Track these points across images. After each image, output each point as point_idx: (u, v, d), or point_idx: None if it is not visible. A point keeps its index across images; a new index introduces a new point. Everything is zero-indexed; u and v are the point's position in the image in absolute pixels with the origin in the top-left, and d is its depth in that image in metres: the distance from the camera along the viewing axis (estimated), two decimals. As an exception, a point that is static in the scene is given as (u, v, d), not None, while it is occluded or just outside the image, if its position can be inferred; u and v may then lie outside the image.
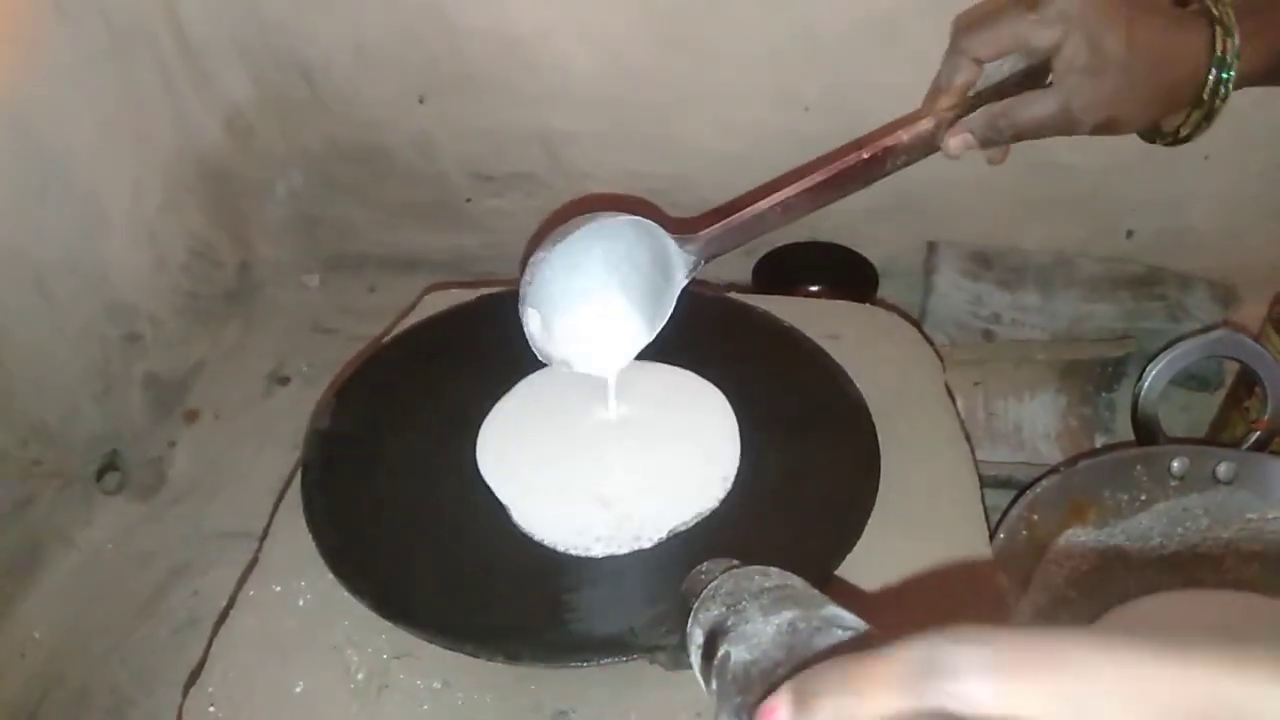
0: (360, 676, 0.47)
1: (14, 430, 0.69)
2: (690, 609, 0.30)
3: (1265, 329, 0.69)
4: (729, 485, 0.54)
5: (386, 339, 0.66)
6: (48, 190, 0.71)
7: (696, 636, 0.28)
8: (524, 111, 0.85)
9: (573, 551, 0.51)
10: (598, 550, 0.50)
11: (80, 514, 0.76)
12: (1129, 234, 0.86)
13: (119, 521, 0.77)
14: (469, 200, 0.91)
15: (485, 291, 0.69)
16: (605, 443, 0.58)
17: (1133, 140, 0.81)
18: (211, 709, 0.46)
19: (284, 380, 0.89)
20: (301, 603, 0.50)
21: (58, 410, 0.73)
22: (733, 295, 0.70)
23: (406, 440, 0.58)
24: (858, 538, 0.49)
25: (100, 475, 0.77)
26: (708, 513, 0.53)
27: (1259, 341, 0.66)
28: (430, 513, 0.54)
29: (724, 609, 0.28)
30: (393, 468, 0.56)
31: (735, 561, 0.32)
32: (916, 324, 0.72)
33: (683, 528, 0.52)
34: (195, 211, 0.86)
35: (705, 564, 0.32)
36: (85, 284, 0.75)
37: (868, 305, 0.71)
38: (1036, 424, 0.79)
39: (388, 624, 0.48)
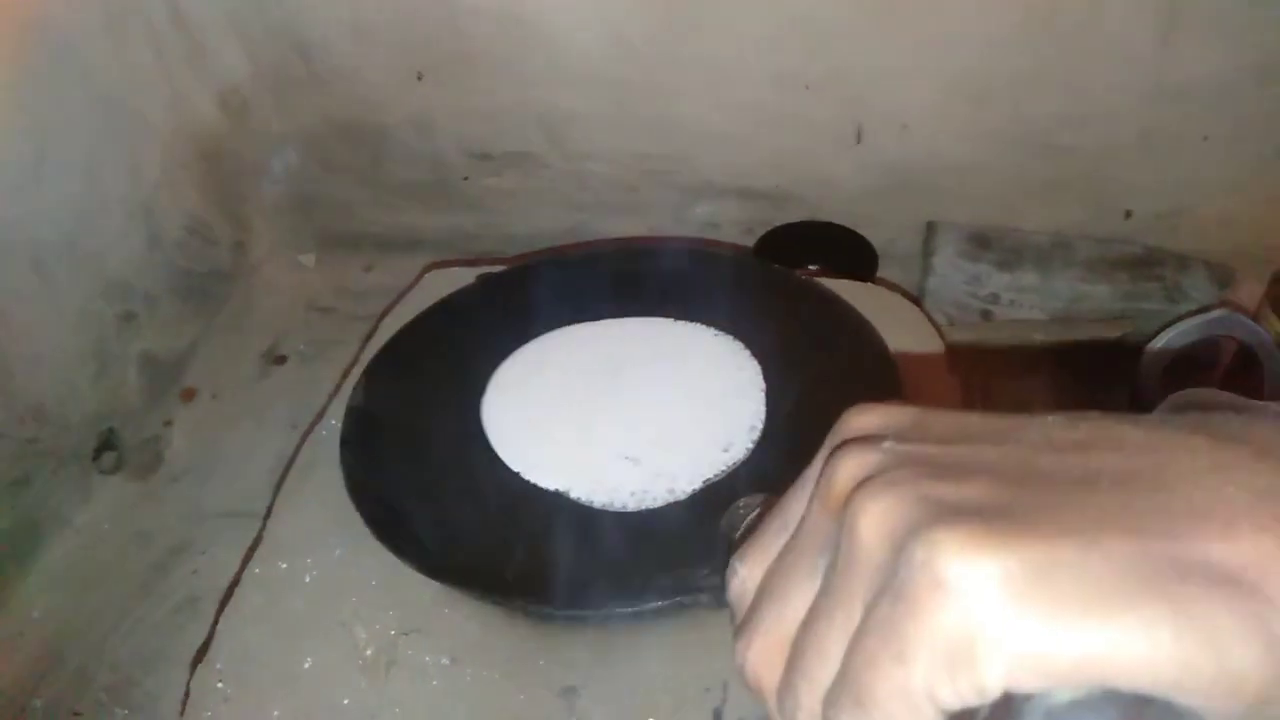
0: (369, 653, 0.47)
1: (11, 409, 0.68)
2: (731, 543, 0.30)
3: (1263, 309, 0.70)
4: (757, 435, 0.55)
5: (412, 316, 0.66)
6: (44, 169, 0.70)
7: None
8: (523, 91, 0.85)
9: (609, 508, 0.51)
10: (632, 504, 0.51)
11: (77, 493, 0.75)
12: (1127, 215, 0.86)
13: (116, 501, 0.77)
14: (466, 179, 0.91)
15: (488, 271, 0.69)
16: (631, 400, 0.58)
17: (1132, 122, 0.81)
18: (220, 685, 0.46)
19: (280, 359, 0.88)
20: (308, 579, 0.50)
21: (54, 389, 0.72)
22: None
23: (436, 410, 0.58)
24: None
25: (97, 454, 0.77)
26: (738, 463, 0.53)
27: (1257, 321, 0.67)
28: (462, 479, 0.54)
29: None
30: (425, 438, 0.56)
31: (772, 497, 0.32)
32: (917, 302, 0.72)
33: (715, 479, 0.52)
34: (191, 190, 0.85)
35: (742, 499, 0.32)
36: (82, 263, 0.74)
37: (869, 284, 0.71)
38: (1033, 404, 0.79)
39: (396, 600, 0.48)
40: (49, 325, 0.72)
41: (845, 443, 0.21)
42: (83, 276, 0.74)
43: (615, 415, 0.57)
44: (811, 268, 0.87)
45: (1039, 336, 0.79)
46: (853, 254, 0.86)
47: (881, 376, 0.56)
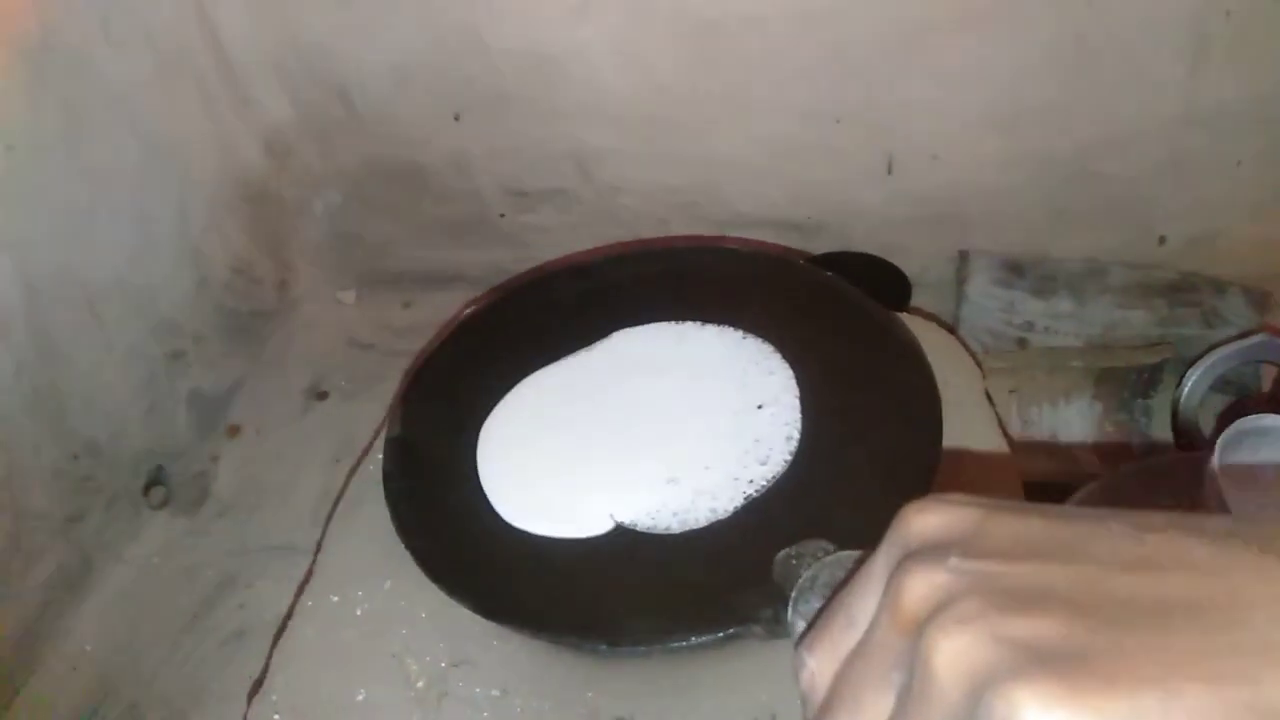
0: (420, 684, 0.48)
1: (66, 447, 0.70)
2: (786, 596, 0.31)
3: (1303, 333, 0.69)
4: (795, 445, 0.54)
5: (439, 341, 0.67)
6: (97, 214, 0.73)
7: (799, 628, 0.29)
8: (556, 128, 0.87)
9: (653, 530, 0.51)
10: (676, 526, 0.51)
11: (128, 528, 0.77)
12: (1162, 240, 0.86)
13: (165, 536, 0.78)
14: (503, 216, 0.93)
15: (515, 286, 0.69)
16: (663, 413, 0.58)
17: (1164, 147, 0.82)
18: (276, 717, 0.47)
19: (322, 395, 0.90)
20: (359, 612, 0.51)
21: (107, 427, 0.74)
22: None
23: (470, 437, 0.58)
24: (926, 493, 0.48)
25: (146, 490, 0.78)
26: (778, 476, 0.53)
27: (1298, 345, 0.67)
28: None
29: (824, 602, 0.28)
30: (462, 466, 0.57)
31: (825, 544, 0.32)
32: (953, 331, 0.72)
33: (756, 494, 0.52)
34: (237, 231, 0.87)
35: (794, 547, 0.32)
36: (133, 305, 0.76)
37: (904, 313, 0.72)
38: (1072, 430, 0.79)
39: (445, 632, 0.49)
40: (102, 365, 0.74)
41: (911, 557, 0.21)
42: (134, 317, 0.77)
43: (649, 431, 0.56)
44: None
45: (1077, 363, 0.78)
46: (886, 283, 0.86)
47: (917, 380, 0.55)
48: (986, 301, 0.86)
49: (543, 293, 0.69)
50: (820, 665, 0.23)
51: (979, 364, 0.66)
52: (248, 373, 0.90)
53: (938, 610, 0.20)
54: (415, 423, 0.58)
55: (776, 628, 0.36)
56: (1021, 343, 0.84)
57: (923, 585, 0.20)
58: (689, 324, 0.62)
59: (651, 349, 0.61)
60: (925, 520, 0.22)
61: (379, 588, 0.51)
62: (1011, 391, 0.79)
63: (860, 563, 0.26)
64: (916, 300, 0.87)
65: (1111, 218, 0.86)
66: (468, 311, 0.69)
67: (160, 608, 0.74)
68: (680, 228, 0.91)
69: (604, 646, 0.45)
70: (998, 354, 0.82)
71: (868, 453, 0.53)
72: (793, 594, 0.30)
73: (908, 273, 0.88)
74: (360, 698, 0.47)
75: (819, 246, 0.89)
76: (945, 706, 0.19)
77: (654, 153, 0.87)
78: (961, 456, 0.52)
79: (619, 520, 0.52)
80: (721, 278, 0.63)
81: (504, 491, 0.54)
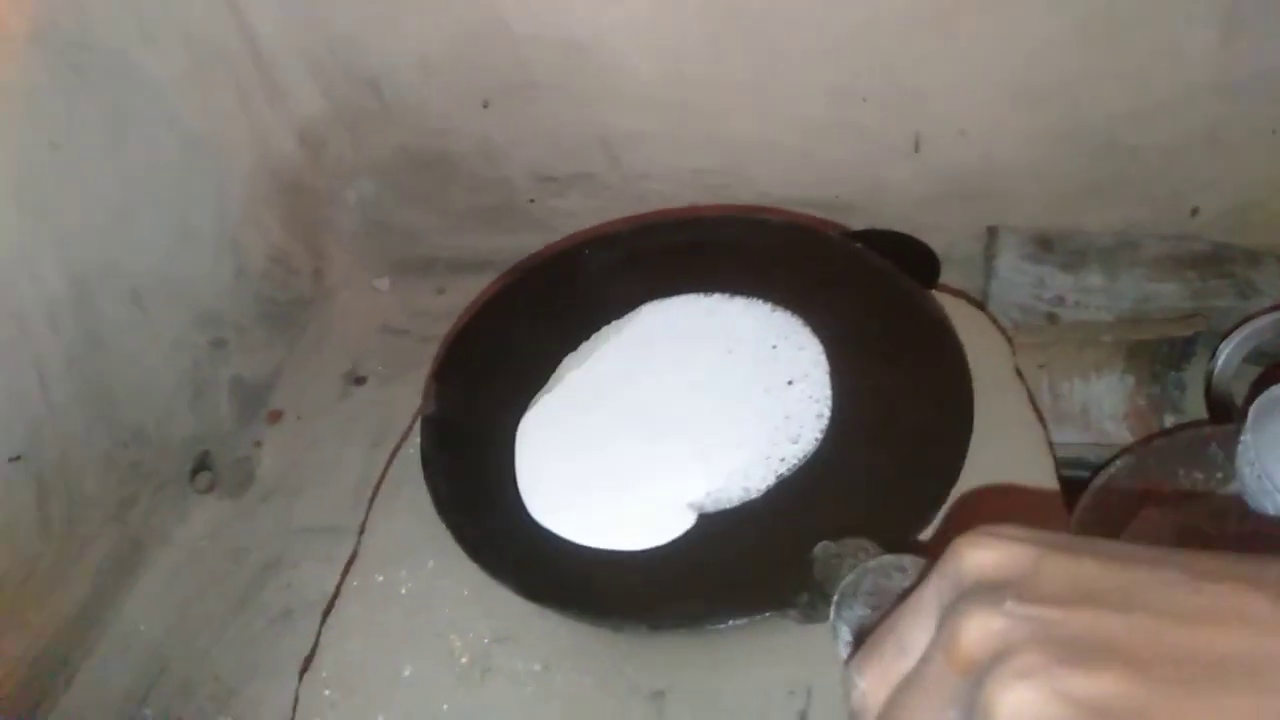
0: (464, 661, 0.49)
1: (116, 435, 0.73)
2: (827, 592, 0.31)
3: (1339, 303, 0.69)
4: (825, 423, 0.54)
5: (468, 316, 0.67)
6: (139, 209, 0.75)
7: (844, 633, 0.30)
8: (584, 114, 0.87)
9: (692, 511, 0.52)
10: (709, 506, 0.51)
11: (176, 512, 0.79)
12: (1194, 211, 0.85)
13: (212, 519, 0.81)
14: (532, 201, 0.93)
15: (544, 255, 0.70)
16: (693, 388, 0.58)
17: (1196, 118, 0.81)
18: (327, 693, 0.49)
19: (360, 380, 0.92)
20: (404, 591, 0.53)
21: (154, 415, 0.76)
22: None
23: (508, 414, 0.59)
24: (958, 471, 0.49)
25: (193, 475, 0.81)
26: (809, 455, 0.53)
27: (1333, 316, 0.66)
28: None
29: (869, 610, 0.29)
30: (499, 445, 0.57)
31: (867, 544, 0.33)
32: (982, 307, 0.72)
33: (788, 473, 0.52)
34: (273, 222, 0.89)
35: (836, 544, 0.33)
36: (176, 295, 0.78)
37: (933, 290, 0.72)
38: (1103, 405, 0.79)
39: (487, 609, 0.50)
40: (147, 354, 0.76)
41: (967, 597, 0.22)
42: (176, 308, 0.79)
43: (681, 411, 0.56)
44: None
45: (1107, 338, 0.78)
46: (915, 261, 0.86)
47: (948, 358, 0.55)
48: (1016, 277, 0.85)
49: (570, 265, 0.68)
50: (872, 687, 0.24)
51: (1009, 340, 0.67)
52: (287, 360, 0.92)
53: (997, 659, 0.20)
54: (449, 401, 0.58)
55: (813, 613, 0.37)
56: (1051, 318, 0.84)
57: (979, 629, 0.21)
58: (718, 296, 0.62)
59: (681, 323, 0.61)
60: (979, 557, 0.22)
61: (422, 567, 0.53)
62: (1041, 367, 0.79)
63: (910, 589, 0.27)
64: (945, 277, 0.87)
65: (1142, 190, 0.85)
66: (497, 287, 0.69)
67: (210, 588, 0.76)
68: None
69: (644, 629, 0.46)
70: (1027, 329, 0.82)
71: (898, 432, 0.54)
72: (835, 597, 0.30)
73: (936, 250, 0.87)
74: (406, 673, 0.49)
75: (847, 225, 0.89)
76: None
77: (681, 136, 0.87)
78: (1008, 492, 0.52)
79: (654, 506, 0.52)
80: (750, 249, 0.63)
81: (542, 498, 0.55)
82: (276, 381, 0.90)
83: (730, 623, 0.45)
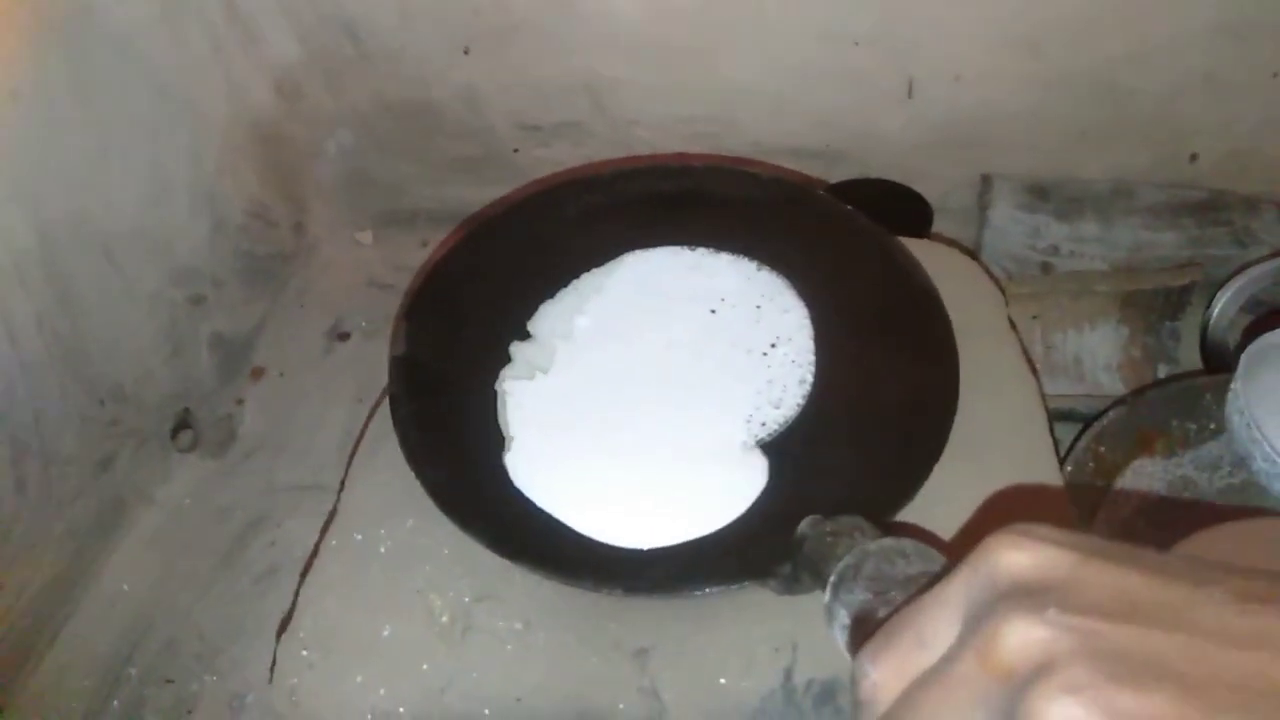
0: (444, 620, 0.49)
1: (92, 393, 0.71)
2: (820, 571, 0.31)
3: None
4: (808, 388, 0.54)
5: (442, 254, 0.64)
6: (109, 161, 0.73)
7: (842, 616, 0.29)
8: (569, 60, 0.85)
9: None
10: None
11: (158, 471, 0.78)
12: (1193, 158, 0.84)
13: (195, 477, 0.80)
14: (516, 151, 0.91)
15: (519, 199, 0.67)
16: (674, 346, 0.57)
17: (1197, 63, 0.79)
18: (304, 653, 0.48)
19: (344, 336, 0.91)
20: (382, 550, 0.52)
21: (131, 372, 0.75)
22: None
23: (482, 361, 0.57)
24: (943, 444, 0.48)
25: (174, 433, 0.79)
26: (791, 420, 0.52)
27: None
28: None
29: (870, 595, 0.28)
30: (474, 391, 0.56)
31: (861, 521, 0.32)
32: (975, 257, 0.71)
33: (768, 438, 0.51)
34: (250, 174, 0.87)
35: (829, 522, 0.32)
36: (151, 250, 0.76)
37: (925, 240, 0.70)
38: (1097, 356, 0.78)
39: (468, 568, 0.49)
40: (123, 311, 0.74)
41: (1006, 601, 0.21)
42: (152, 263, 0.77)
43: (661, 368, 0.56)
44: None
45: (1102, 288, 0.77)
46: (907, 210, 0.85)
47: (935, 328, 0.54)
48: (1010, 226, 0.84)
49: (551, 206, 0.65)
50: (884, 679, 0.23)
51: (1002, 290, 0.65)
52: (268, 315, 0.90)
53: (1041, 670, 0.19)
54: (420, 343, 0.56)
55: (794, 585, 0.36)
56: (1045, 268, 0.83)
57: (1020, 636, 0.20)
58: (702, 250, 0.60)
59: (664, 277, 0.60)
60: (1015, 559, 0.22)
61: (401, 525, 0.52)
62: (1035, 318, 0.78)
63: (922, 580, 0.27)
64: (938, 226, 0.86)
65: (1140, 136, 0.83)
66: (473, 225, 0.66)
67: (193, 548, 0.75)
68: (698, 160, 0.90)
69: (620, 592, 0.45)
70: (1021, 280, 0.81)
71: (883, 402, 0.53)
72: (832, 578, 0.30)
73: (929, 199, 0.86)
74: (386, 633, 0.48)
75: (839, 174, 0.87)
76: None
77: (669, 82, 0.85)
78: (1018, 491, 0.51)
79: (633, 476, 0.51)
80: (737, 204, 0.61)
81: (523, 464, 0.53)
82: (258, 338, 0.89)
83: (707, 590, 0.45)
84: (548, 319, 0.60)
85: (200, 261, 0.82)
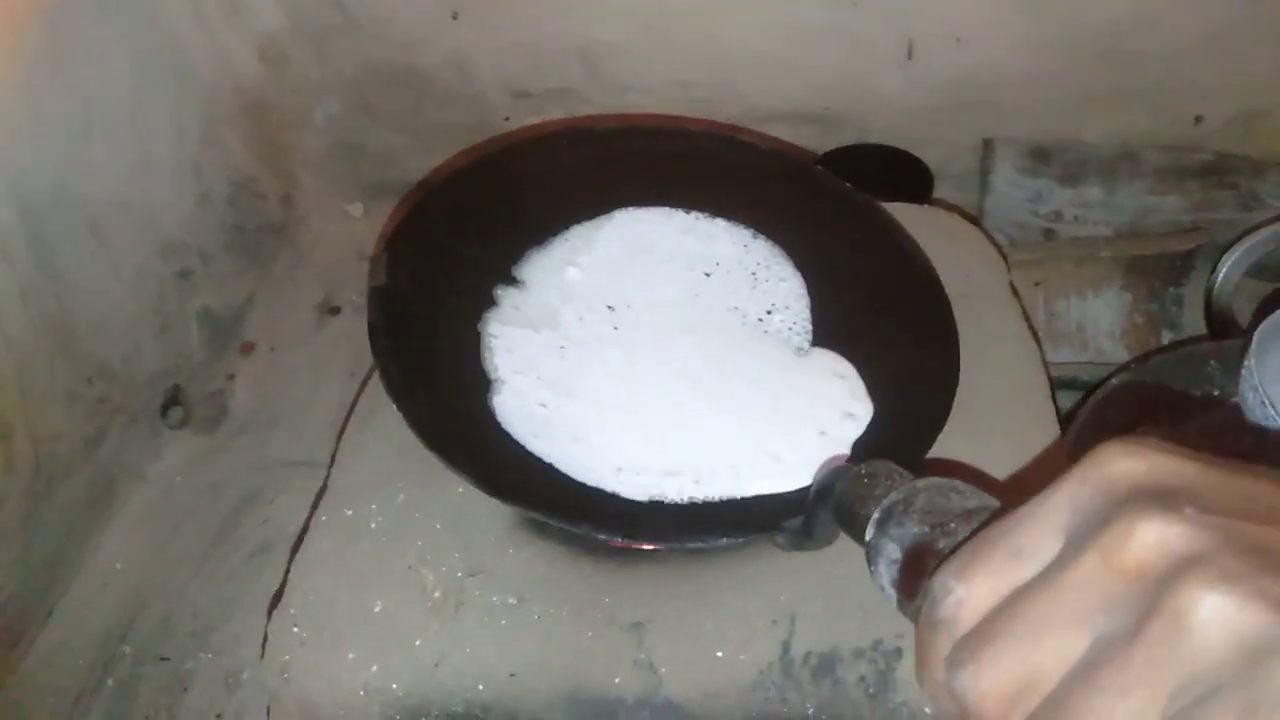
0: (437, 595, 0.48)
1: (79, 370, 0.70)
2: (855, 512, 0.29)
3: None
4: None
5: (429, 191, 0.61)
6: (91, 131, 0.71)
7: (889, 551, 0.28)
8: (561, 23, 0.83)
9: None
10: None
11: (149, 448, 0.77)
12: (1197, 120, 0.82)
13: (186, 454, 0.79)
14: (507, 119, 0.90)
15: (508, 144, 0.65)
16: (668, 306, 0.56)
17: (1203, 22, 0.77)
18: (295, 630, 0.47)
19: (335, 310, 0.89)
20: (374, 525, 0.51)
21: (119, 349, 0.74)
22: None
23: (467, 298, 0.56)
24: (944, 418, 0.48)
25: (165, 410, 0.78)
26: None
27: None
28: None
29: (927, 528, 0.27)
30: (454, 327, 0.54)
31: (895, 467, 0.31)
32: (977, 223, 0.70)
33: None
34: (236, 144, 0.85)
35: (863, 465, 0.31)
36: (136, 223, 0.75)
37: (926, 206, 0.69)
38: (1100, 322, 0.77)
39: (461, 542, 0.48)
40: (108, 286, 0.73)
41: (1136, 502, 0.20)
42: (137, 236, 0.75)
43: (654, 330, 0.55)
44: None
45: (1105, 253, 0.76)
46: (907, 176, 0.84)
47: (932, 302, 0.54)
48: (1012, 191, 0.82)
49: (545, 154, 0.63)
50: (975, 594, 0.22)
51: (1004, 257, 0.64)
52: (258, 289, 0.89)
53: (1185, 564, 0.19)
54: (401, 276, 0.54)
55: (805, 541, 0.35)
56: (1048, 234, 0.81)
57: (1157, 533, 0.19)
58: (696, 214, 0.59)
59: (656, 237, 0.58)
60: (1133, 465, 0.21)
61: (393, 500, 0.51)
62: (1037, 284, 0.77)
63: (1003, 508, 0.26)
64: (939, 192, 0.84)
65: (1144, 99, 0.82)
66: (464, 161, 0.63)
67: (186, 525, 0.75)
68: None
69: (619, 539, 0.44)
70: (1023, 246, 0.80)
71: (881, 374, 0.52)
72: (875, 514, 0.29)
73: (930, 164, 0.84)
74: (377, 609, 0.47)
75: (838, 139, 0.86)
76: (1206, 663, 0.18)
77: (663, 45, 0.83)
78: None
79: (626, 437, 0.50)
80: (735, 170, 0.59)
81: (516, 411, 0.52)
82: (248, 312, 0.88)
83: (709, 542, 0.44)
84: (536, 267, 0.58)
85: (187, 235, 0.80)
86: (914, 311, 0.55)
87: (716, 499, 0.48)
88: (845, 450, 0.50)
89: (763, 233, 0.60)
